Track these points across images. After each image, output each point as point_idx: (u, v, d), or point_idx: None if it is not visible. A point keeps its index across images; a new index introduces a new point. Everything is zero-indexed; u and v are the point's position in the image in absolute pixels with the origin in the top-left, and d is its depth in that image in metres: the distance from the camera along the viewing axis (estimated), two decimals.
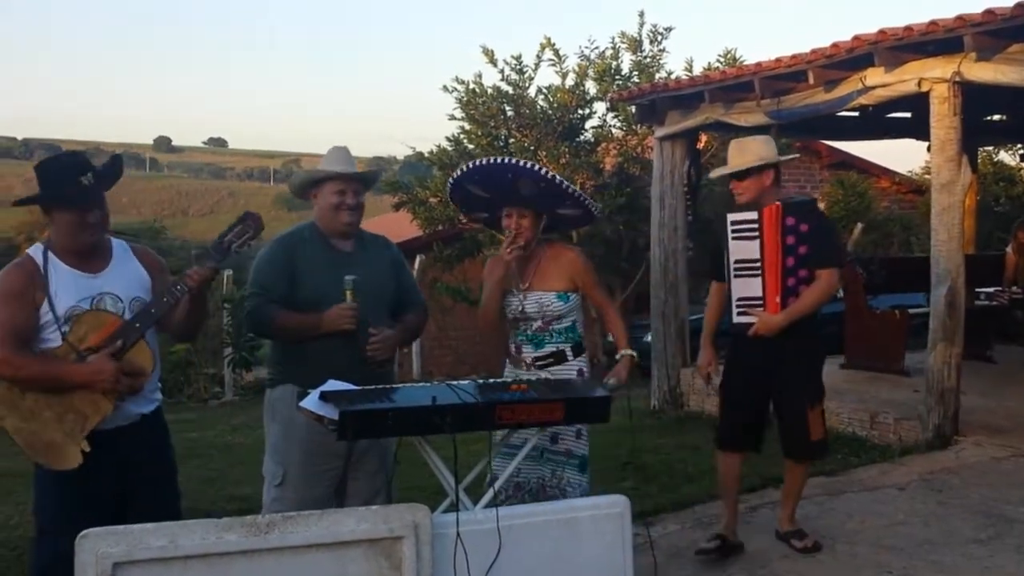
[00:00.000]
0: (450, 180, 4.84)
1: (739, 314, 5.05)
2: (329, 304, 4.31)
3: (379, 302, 4.48)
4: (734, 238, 5.06)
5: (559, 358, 4.73)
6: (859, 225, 16.81)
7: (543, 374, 4.67)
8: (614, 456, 7.90)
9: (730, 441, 5.20)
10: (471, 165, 4.70)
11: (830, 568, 5.00)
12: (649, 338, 10.95)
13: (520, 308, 4.72)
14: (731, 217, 5.09)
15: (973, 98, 7.89)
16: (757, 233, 4.97)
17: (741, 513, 5.45)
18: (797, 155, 8.02)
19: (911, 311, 10.22)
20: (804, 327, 4.94)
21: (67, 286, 3.72)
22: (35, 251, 3.80)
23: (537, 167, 4.67)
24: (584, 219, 5.01)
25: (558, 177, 4.68)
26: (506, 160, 4.68)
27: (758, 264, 4.97)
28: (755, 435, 5.17)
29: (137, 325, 3.71)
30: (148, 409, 3.90)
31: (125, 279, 3.85)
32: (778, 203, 4.96)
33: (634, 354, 4.80)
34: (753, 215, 4.99)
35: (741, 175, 5.03)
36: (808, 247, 4.91)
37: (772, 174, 5.04)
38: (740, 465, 5.26)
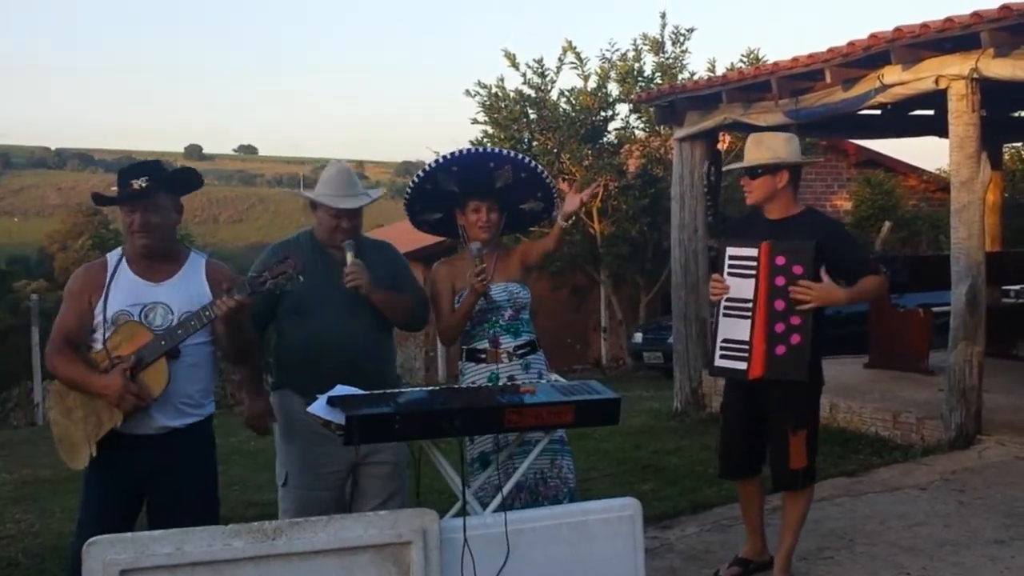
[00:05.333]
0: (423, 170, 4.67)
1: (721, 357, 4.65)
2: (313, 308, 4.35)
3: (368, 307, 4.41)
4: (731, 274, 4.64)
5: (533, 347, 4.67)
6: (887, 223, 16.71)
7: (519, 364, 4.59)
8: (634, 459, 7.91)
9: (728, 469, 4.94)
10: (451, 154, 4.61)
11: (849, 569, 4.95)
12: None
13: (489, 297, 4.57)
14: (730, 251, 4.67)
15: (998, 94, 7.82)
16: (754, 272, 4.55)
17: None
18: (820, 158, 7.92)
19: (938, 309, 10.10)
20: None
21: (123, 291, 3.82)
22: (112, 254, 3.95)
23: (521, 155, 4.70)
24: (545, 214, 4.90)
25: (539, 166, 4.71)
26: (488, 149, 4.74)
27: (750, 306, 4.55)
28: (753, 461, 4.85)
29: (162, 343, 3.74)
30: (179, 423, 3.86)
31: (185, 293, 3.88)
32: (768, 242, 4.53)
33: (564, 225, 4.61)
34: (754, 251, 4.54)
35: (753, 172, 4.63)
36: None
37: (787, 175, 4.61)
38: (756, 490, 4.92)
